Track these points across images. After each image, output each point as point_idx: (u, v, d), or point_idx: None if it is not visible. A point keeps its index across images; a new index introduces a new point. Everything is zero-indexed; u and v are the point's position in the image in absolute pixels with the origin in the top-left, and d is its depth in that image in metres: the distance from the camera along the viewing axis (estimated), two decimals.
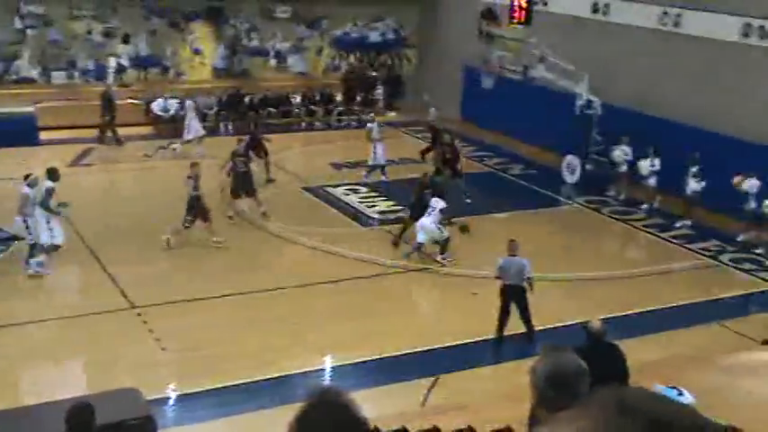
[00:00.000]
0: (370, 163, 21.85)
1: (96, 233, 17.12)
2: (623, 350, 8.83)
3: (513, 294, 13.20)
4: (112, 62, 26.78)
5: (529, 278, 13.14)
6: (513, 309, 13.28)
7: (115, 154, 23.20)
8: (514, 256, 13.23)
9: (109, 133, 23.98)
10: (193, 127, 23.05)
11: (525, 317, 13.38)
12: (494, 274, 13.35)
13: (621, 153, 20.89)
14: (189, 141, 22.83)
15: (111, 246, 16.57)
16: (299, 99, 27.77)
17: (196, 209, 16.78)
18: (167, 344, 12.89)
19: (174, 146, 22.68)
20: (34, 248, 15.20)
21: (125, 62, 26.92)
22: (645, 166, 20.04)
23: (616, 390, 1.81)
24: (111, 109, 24.15)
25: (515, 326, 13.49)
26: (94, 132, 24.18)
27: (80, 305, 14.31)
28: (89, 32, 26.43)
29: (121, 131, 24.73)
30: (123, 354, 12.70)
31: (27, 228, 15.08)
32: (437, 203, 16.38)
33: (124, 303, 14.18)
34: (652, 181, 20.10)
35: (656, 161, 19.87)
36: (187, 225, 16.71)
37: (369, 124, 22.36)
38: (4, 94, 24.61)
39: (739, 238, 18.32)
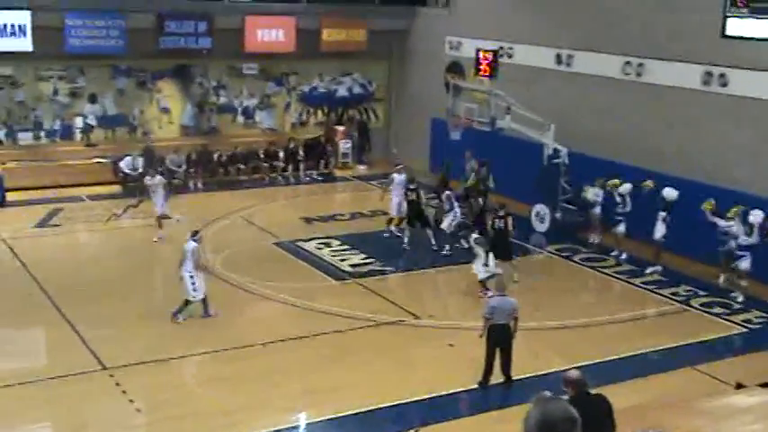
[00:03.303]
0: None
1: (65, 294, 16.90)
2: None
3: (501, 335, 13.24)
4: (79, 122, 26.75)
5: (516, 318, 13.28)
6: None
7: (83, 214, 23.00)
8: (504, 295, 13.34)
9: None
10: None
11: (508, 360, 13.40)
12: (485, 315, 13.33)
13: (593, 194, 21.10)
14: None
15: (81, 306, 16.36)
16: (281, 154, 27.80)
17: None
18: (141, 405, 12.67)
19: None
20: None
21: (92, 122, 26.88)
22: (593, 191, 20.76)
23: None
24: (153, 164, 24.59)
25: (494, 376, 13.46)
26: (61, 193, 24.08)
27: (49, 368, 14.04)
28: (55, 93, 26.39)
29: (89, 191, 24.65)
30: (97, 416, 12.48)
31: None
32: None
33: (96, 365, 13.95)
34: (621, 228, 20.27)
35: (600, 191, 20.43)
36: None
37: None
38: None
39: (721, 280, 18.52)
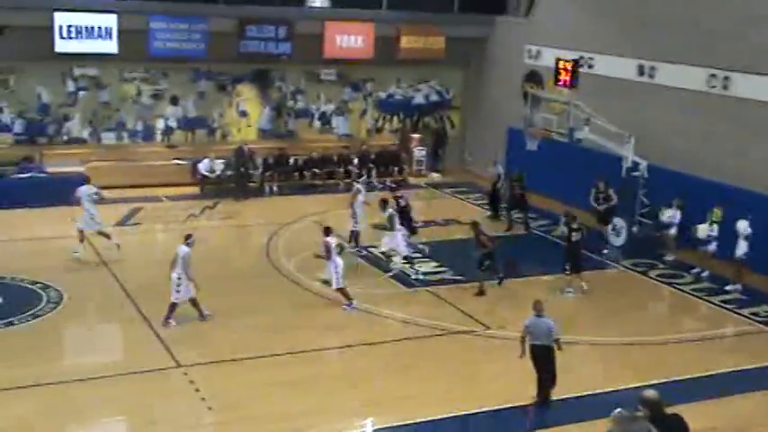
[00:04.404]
0: None
1: (143, 292, 17.26)
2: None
3: (541, 355, 12.89)
4: (160, 123, 27.33)
5: (557, 339, 12.87)
6: None
7: (161, 214, 23.46)
8: (541, 316, 12.97)
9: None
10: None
11: (546, 380, 12.99)
12: (520, 335, 12.99)
13: (668, 216, 20.67)
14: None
15: (158, 304, 16.64)
16: (356, 160, 27.99)
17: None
18: (213, 404, 12.85)
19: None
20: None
21: (173, 123, 27.44)
22: (703, 229, 19.74)
23: None
24: (242, 164, 25.50)
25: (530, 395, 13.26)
26: (141, 192, 24.62)
27: (126, 363, 14.36)
28: (138, 94, 27.02)
29: (168, 191, 25.15)
30: (170, 413, 12.67)
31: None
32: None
33: (170, 362, 14.21)
34: (711, 247, 19.68)
35: (714, 226, 19.56)
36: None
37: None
38: (55, 154, 25.20)
39: None
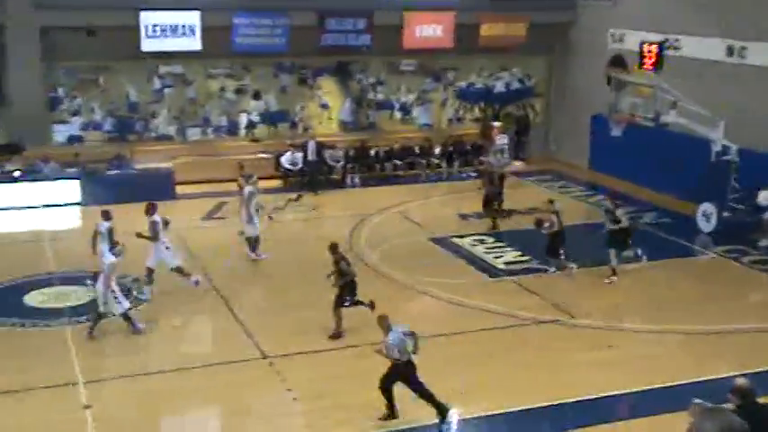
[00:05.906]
0: None
1: (228, 283, 17.53)
2: None
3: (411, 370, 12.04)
4: (244, 118, 27.71)
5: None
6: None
7: None
8: (393, 330, 12.05)
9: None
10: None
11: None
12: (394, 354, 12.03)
13: (766, 198, 20.05)
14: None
15: (243, 296, 16.94)
16: (437, 151, 27.95)
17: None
18: (298, 394, 12.97)
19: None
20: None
21: (255, 118, 27.79)
22: (765, 195, 19.15)
23: None
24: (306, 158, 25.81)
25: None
26: (226, 186, 24.96)
27: (214, 354, 14.62)
28: (222, 90, 27.43)
29: None
30: (257, 403, 12.84)
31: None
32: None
33: (257, 353, 14.39)
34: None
35: None
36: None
37: None
38: (144, 150, 25.80)
39: None
